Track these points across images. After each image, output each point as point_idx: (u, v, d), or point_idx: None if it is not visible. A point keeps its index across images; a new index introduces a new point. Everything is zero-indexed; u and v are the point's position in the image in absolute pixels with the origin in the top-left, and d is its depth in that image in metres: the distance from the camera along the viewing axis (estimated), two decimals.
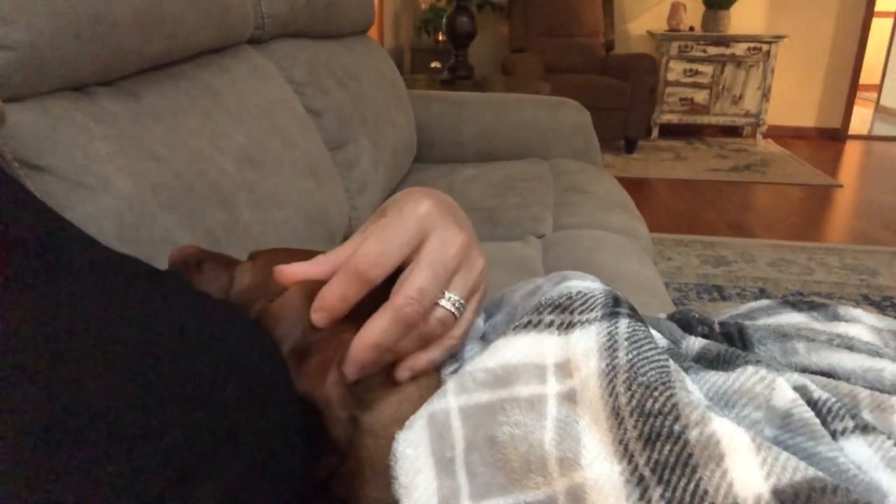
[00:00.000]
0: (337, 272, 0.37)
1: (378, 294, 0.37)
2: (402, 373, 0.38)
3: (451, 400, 0.34)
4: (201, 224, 0.74)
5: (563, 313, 0.37)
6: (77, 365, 0.25)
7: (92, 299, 0.28)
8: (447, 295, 0.38)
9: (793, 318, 0.50)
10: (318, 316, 0.36)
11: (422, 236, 0.38)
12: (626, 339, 0.34)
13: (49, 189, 0.59)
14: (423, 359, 0.38)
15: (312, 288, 0.38)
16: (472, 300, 0.41)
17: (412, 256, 0.38)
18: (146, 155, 0.69)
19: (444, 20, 2.82)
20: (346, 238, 1.24)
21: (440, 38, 4.65)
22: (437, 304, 0.38)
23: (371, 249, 0.37)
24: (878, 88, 6.00)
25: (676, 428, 0.30)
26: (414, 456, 0.33)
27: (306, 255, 0.44)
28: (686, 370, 0.39)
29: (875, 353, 0.41)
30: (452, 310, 0.38)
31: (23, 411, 0.22)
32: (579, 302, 0.37)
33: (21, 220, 0.29)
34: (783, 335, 0.44)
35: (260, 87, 1.03)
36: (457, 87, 2.71)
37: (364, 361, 0.35)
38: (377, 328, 0.36)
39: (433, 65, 4.52)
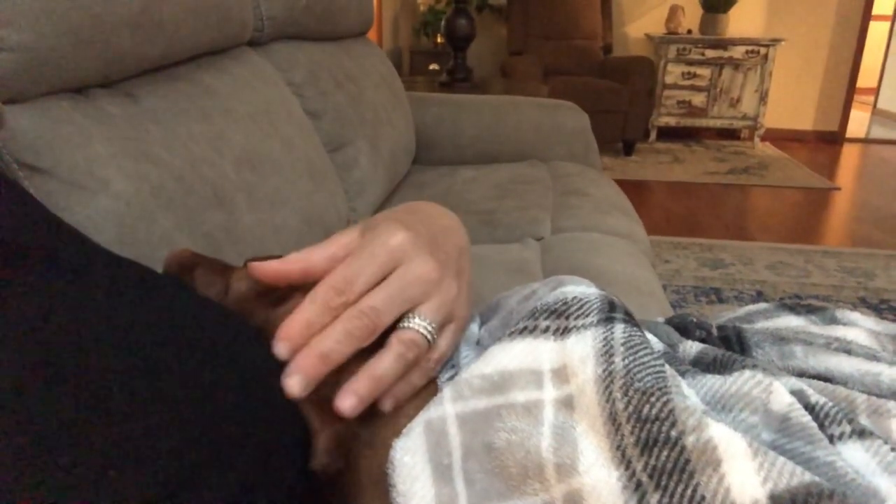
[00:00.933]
0: (304, 300, 0.36)
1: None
2: (386, 403, 0.37)
3: (447, 407, 0.34)
4: (200, 226, 0.74)
5: (559, 319, 0.37)
6: (73, 371, 0.25)
7: (89, 305, 0.28)
8: (414, 319, 0.38)
9: (790, 322, 0.51)
10: (280, 346, 0.34)
11: (392, 266, 0.38)
12: (622, 344, 0.35)
13: (48, 191, 0.59)
14: (402, 386, 0.38)
15: None
16: (445, 329, 0.40)
17: None
18: (145, 157, 0.69)
19: (442, 22, 2.82)
20: None
21: (439, 40, 4.65)
22: (403, 326, 0.38)
23: (338, 278, 0.37)
24: (876, 91, 6.02)
25: (673, 433, 0.30)
26: (411, 463, 0.33)
27: None
28: (683, 374, 0.39)
29: (872, 356, 0.41)
30: (423, 331, 0.38)
31: (18, 418, 0.22)
32: (575, 307, 0.38)
33: (18, 224, 0.29)
34: (781, 338, 0.45)
35: (259, 88, 1.03)
36: (455, 89, 2.72)
37: (309, 370, 0.34)
38: (326, 338, 0.35)
39: (432, 67, 4.53)
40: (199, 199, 0.75)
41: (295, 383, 0.33)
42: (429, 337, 0.38)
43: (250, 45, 1.14)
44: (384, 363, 0.36)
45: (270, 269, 0.38)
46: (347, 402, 0.34)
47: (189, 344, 0.30)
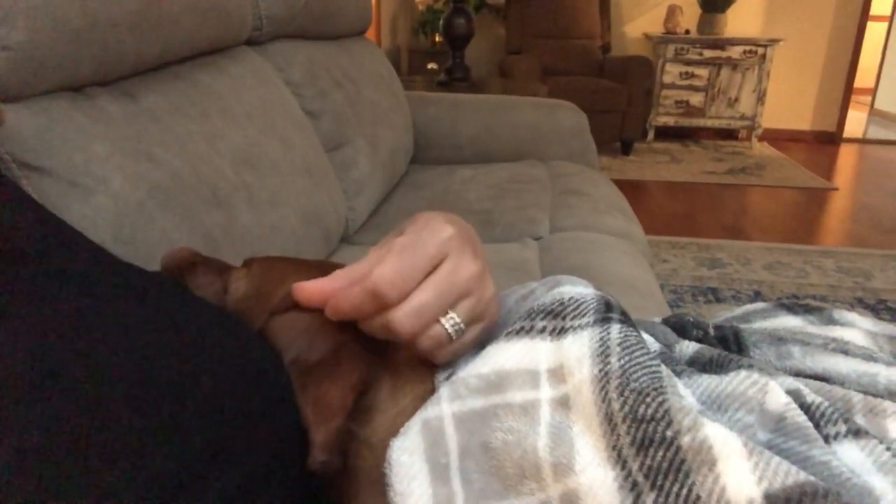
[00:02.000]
0: (356, 284, 0.37)
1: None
2: None
3: (444, 407, 0.34)
4: (198, 225, 0.74)
5: (556, 319, 0.37)
6: (72, 374, 0.25)
7: (90, 311, 0.28)
8: (448, 315, 0.38)
9: (788, 322, 0.51)
10: (331, 313, 0.37)
11: (439, 260, 0.38)
12: (619, 344, 0.35)
13: (46, 190, 0.59)
14: None
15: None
16: (473, 326, 0.40)
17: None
18: (143, 156, 0.69)
19: (441, 22, 2.82)
20: (342, 239, 1.24)
21: (437, 39, 4.65)
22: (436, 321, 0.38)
23: (390, 269, 0.36)
24: (873, 92, 6.02)
25: (669, 433, 0.30)
26: (409, 463, 0.33)
27: (302, 263, 0.44)
28: (679, 374, 0.39)
29: (869, 357, 0.41)
30: (449, 328, 0.38)
31: (20, 425, 0.22)
32: (571, 307, 0.38)
33: (20, 229, 0.29)
34: (778, 339, 0.45)
35: (258, 88, 1.03)
36: (454, 88, 2.72)
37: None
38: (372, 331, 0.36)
39: (430, 66, 4.52)
40: (197, 199, 0.75)
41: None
42: (453, 335, 0.38)
43: (249, 45, 1.14)
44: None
45: (316, 291, 0.38)
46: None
47: (187, 346, 0.30)
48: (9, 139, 0.58)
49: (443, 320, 0.38)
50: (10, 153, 0.57)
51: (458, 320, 0.38)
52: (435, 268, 0.38)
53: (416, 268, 0.37)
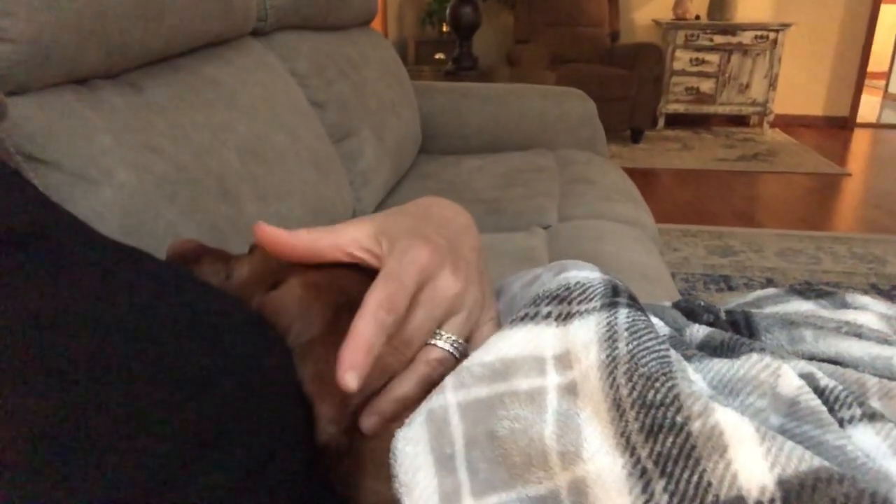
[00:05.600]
0: (357, 319, 0.35)
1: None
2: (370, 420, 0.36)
3: (449, 396, 0.34)
4: (205, 217, 0.74)
5: (562, 304, 0.36)
6: (72, 360, 0.25)
7: (89, 292, 0.28)
8: (442, 336, 0.38)
9: (800, 307, 0.50)
10: (349, 377, 0.32)
11: (420, 286, 0.37)
12: (626, 329, 0.34)
13: (52, 182, 0.59)
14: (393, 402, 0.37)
15: (312, 279, 0.38)
16: (473, 336, 0.40)
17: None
18: (149, 148, 0.69)
19: (448, 11, 2.81)
20: None
21: (444, 29, 4.63)
22: (431, 344, 0.38)
23: (385, 307, 0.35)
24: (887, 76, 5.95)
25: (679, 419, 0.30)
26: (413, 453, 0.33)
27: None
28: (689, 358, 0.39)
29: (883, 340, 0.41)
30: (450, 349, 0.38)
31: (17, 404, 0.22)
32: (578, 292, 0.37)
33: (18, 212, 0.29)
34: (790, 323, 0.44)
35: (263, 79, 1.03)
36: (461, 78, 2.70)
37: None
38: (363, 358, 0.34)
39: (437, 56, 4.51)
40: (203, 191, 0.75)
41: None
42: (456, 354, 0.38)
43: (254, 36, 1.14)
44: (407, 386, 0.37)
45: (276, 236, 0.38)
46: (370, 421, 0.35)
47: (190, 327, 0.30)
48: (14, 132, 0.58)
49: (439, 342, 0.38)
50: (15, 146, 0.57)
51: (453, 338, 0.38)
52: (419, 291, 0.37)
53: (402, 297, 0.36)
